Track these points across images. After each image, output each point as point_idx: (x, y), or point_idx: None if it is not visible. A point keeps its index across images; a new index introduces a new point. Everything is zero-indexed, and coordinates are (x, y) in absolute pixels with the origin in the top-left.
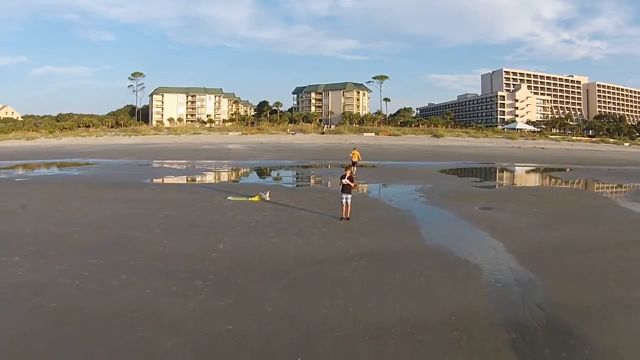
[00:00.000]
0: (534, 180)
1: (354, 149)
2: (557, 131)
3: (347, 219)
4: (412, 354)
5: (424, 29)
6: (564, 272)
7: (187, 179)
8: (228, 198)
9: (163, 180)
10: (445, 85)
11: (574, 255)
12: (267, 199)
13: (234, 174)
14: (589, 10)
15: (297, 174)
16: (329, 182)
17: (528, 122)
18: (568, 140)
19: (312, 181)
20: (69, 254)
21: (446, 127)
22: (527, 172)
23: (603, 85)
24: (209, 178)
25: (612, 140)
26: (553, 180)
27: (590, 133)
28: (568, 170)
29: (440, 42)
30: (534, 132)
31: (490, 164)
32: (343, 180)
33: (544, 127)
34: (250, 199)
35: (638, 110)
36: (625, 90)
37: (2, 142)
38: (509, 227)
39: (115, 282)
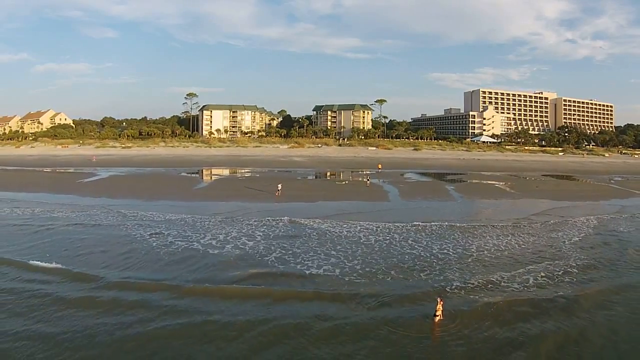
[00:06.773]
0: (431, 178)
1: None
2: (519, 141)
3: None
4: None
5: (427, 27)
6: (410, 195)
7: (311, 176)
8: (336, 182)
9: (308, 177)
10: (446, 83)
11: (412, 192)
12: (346, 183)
13: (325, 174)
14: (592, 10)
15: (349, 174)
16: (359, 176)
17: (493, 136)
18: (513, 152)
19: (357, 176)
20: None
21: (427, 140)
22: (439, 174)
23: (568, 100)
24: (319, 176)
25: (552, 150)
26: (440, 179)
27: (543, 143)
28: (459, 173)
29: (443, 41)
30: (492, 143)
31: (427, 170)
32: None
33: (506, 138)
34: (343, 182)
35: (599, 121)
36: (590, 103)
37: (104, 149)
38: (404, 189)
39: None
